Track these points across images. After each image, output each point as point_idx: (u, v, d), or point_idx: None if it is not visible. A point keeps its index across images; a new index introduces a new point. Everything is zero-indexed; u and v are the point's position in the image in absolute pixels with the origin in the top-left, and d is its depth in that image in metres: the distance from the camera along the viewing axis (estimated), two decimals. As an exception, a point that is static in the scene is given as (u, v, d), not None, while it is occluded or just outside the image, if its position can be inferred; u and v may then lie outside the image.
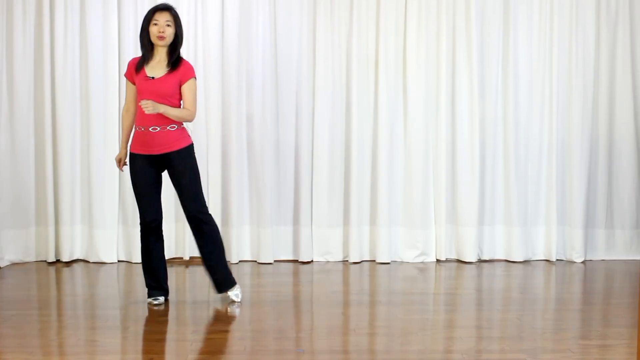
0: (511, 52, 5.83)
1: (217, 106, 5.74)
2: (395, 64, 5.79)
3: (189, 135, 4.42)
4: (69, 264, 5.67)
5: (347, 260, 5.83)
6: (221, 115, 5.76)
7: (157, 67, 4.31)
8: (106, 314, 4.25)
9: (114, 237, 5.73)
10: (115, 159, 4.54)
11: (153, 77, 4.28)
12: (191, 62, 5.72)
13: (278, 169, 5.82)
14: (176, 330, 3.95)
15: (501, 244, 5.94)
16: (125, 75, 4.42)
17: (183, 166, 4.34)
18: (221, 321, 4.23)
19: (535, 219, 5.94)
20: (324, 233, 5.80)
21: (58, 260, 5.70)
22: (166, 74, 4.29)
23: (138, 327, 3.99)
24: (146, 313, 4.30)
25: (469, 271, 5.55)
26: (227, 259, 5.73)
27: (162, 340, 3.80)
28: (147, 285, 4.48)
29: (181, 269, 5.57)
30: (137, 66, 4.34)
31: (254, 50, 5.73)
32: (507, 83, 5.85)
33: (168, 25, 4.29)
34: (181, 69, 4.32)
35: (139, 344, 3.69)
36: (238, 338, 3.82)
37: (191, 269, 5.57)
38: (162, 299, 4.46)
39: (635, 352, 3.41)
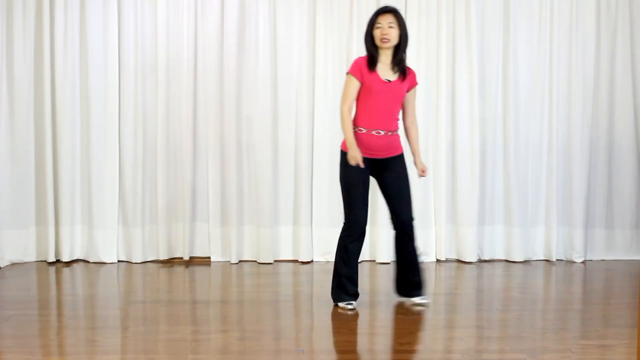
0: (511, 52, 5.84)
1: (217, 107, 5.75)
2: (395, 64, 5.79)
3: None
4: (69, 264, 5.67)
5: (347, 260, 5.82)
6: (221, 116, 5.76)
7: (384, 70, 4.29)
8: (106, 314, 4.25)
9: (114, 237, 5.73)
10: (358, 158, 4.20)
11: (389, 80, 4.26)
12: (191, 62, 5.75)
13: (278, 169, 5.82)
14: (176, 330, 3.94)
15: (501, 244, 5.94)
16: (353, 73, 4.27)
17: (405, 171, 4.38)
18: (221, 321, 4.22)
19: (535, 219, 5.95)
20: (324, 233, 5.80)
21: (58, 260, 5.70)
22: (399, 79, 4.28)
23: (138, 327, 3.99)
24: (146, 313, 4.31)
25: (469, 271, 5.55)
26: (227, 258, 5.80)
27: (162, 340, 3.80)
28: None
29: (181, 269, 5.57)
30: (369, 66, 4.25)
31: (253, 51, 5.73)
32: (507, 83, 5.85)
33: (391, 27, 4.25)
34: (410, 76, 4.34)
35: (139, 344, 3.69)
36: (238, 338, 3.82)
37: (191, 269, 5.57)
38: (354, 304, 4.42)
39: (636, 352, 3.41)
